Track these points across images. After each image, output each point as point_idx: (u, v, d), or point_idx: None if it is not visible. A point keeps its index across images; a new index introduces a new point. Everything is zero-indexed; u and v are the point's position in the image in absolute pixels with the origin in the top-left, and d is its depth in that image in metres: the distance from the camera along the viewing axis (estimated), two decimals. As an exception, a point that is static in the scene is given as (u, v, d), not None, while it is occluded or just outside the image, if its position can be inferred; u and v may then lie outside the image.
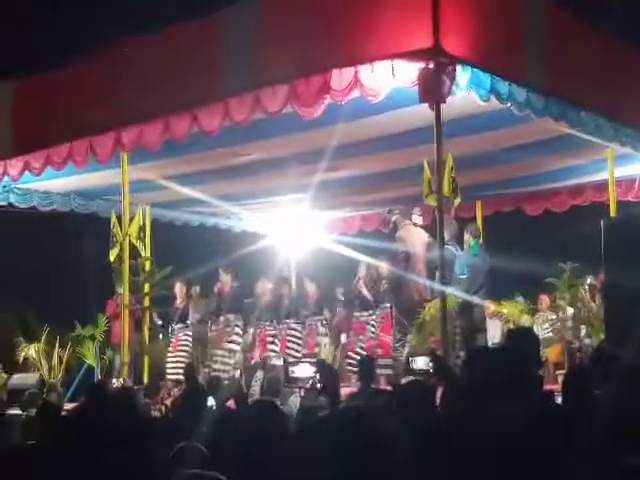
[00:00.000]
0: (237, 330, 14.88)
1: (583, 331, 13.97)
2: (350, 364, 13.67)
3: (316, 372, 9.83)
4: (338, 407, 5.57)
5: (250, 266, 16.20)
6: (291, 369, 10.99)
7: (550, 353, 14.32)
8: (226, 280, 15.17)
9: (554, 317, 14.48)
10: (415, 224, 13.29)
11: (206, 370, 14.60)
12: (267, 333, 14.83)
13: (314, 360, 12.44)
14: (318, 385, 9.24)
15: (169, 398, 12.68)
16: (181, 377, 14.40)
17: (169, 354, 15.30)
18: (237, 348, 14.68)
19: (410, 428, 4.74)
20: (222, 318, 14.99)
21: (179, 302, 15.81)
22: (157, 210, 16.78)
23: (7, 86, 12.97)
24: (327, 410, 7.28)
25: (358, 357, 12.74)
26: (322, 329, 14.67)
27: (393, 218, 13.53)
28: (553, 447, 3.82)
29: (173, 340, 15.51)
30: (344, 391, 10.37)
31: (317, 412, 7.06)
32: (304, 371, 10.79)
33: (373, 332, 13.85)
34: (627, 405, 3.69)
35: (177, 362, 15.01)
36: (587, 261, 13.23)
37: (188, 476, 3.16)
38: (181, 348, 15.29)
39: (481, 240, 13.64)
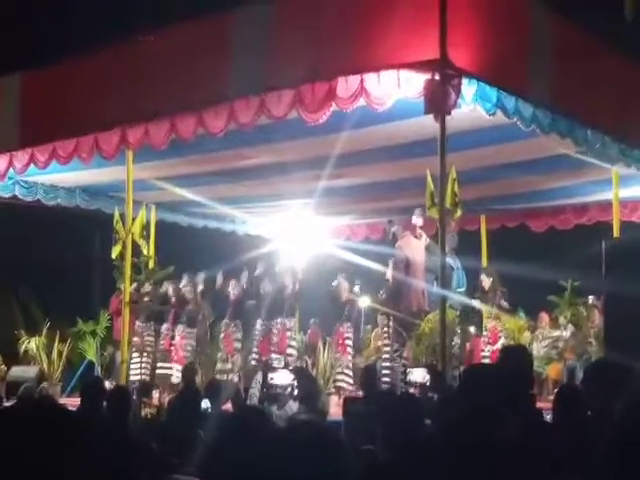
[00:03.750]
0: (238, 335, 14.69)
1: (584, 350, 13.92)
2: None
3: (294, 380, 9.63)
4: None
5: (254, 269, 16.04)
6: (270, 375, 10.69)
7: (550, 371, 14.30)
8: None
9: (554, 335, 14.44)
10: (415, 225, 13.13)
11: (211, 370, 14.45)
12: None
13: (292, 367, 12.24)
14: (296, 393, 9.04)
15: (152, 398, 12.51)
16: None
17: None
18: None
19: (392, 439, 4.75)
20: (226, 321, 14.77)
21: (173, 301, 15.60)
22: (163, 211, 16.75)
23: (14, 78, 12.93)
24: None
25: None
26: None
27: (393, 229, 13.49)
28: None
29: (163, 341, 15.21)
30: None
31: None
32: (283, 378, 10.49)
33: None
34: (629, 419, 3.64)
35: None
36: (590, 281, 13.17)
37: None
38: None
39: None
